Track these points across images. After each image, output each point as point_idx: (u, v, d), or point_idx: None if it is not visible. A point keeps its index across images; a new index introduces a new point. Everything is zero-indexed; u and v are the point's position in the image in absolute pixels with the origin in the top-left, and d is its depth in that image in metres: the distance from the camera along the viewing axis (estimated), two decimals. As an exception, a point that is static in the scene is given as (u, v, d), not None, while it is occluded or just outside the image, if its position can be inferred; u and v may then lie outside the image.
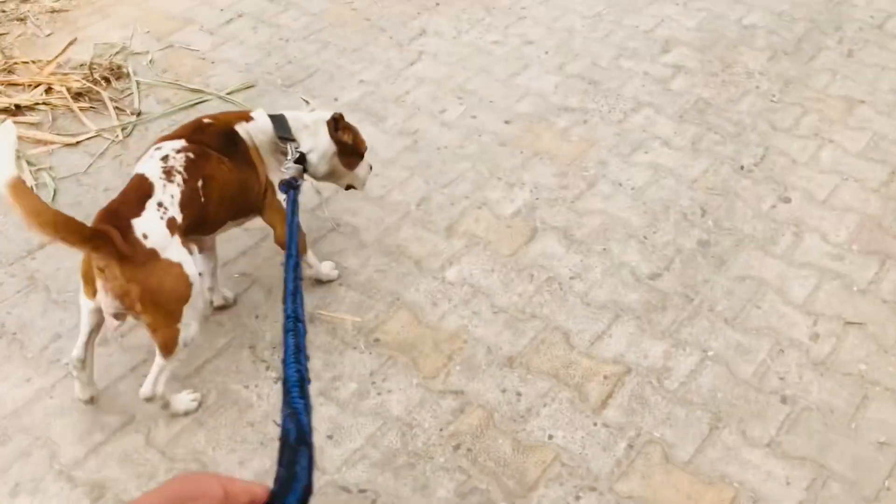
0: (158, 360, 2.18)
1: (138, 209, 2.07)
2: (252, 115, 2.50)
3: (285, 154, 2.45)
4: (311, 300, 2.76)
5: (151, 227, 2.06)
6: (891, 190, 3.27)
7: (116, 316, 2.09)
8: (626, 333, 2.67)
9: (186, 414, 2.36)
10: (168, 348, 2.15)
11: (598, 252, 2.96)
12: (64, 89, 3.60)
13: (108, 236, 1.95)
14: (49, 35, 4.16)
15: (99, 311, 2.13)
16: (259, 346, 2.60)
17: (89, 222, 2.06)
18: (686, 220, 3.10)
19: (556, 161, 3.38)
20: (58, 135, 3.45)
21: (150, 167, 2.19)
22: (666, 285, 2.84)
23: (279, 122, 2.50)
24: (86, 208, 3.09)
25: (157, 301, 2.05)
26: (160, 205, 2.11)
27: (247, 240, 2.96)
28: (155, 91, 3.76)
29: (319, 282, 2.80)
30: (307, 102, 2.80)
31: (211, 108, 3.61)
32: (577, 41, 4.14)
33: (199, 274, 2.22)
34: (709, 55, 4.05)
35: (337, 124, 2.57)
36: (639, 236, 3.02)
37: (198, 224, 2.26)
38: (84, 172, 3.28)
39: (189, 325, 2.17)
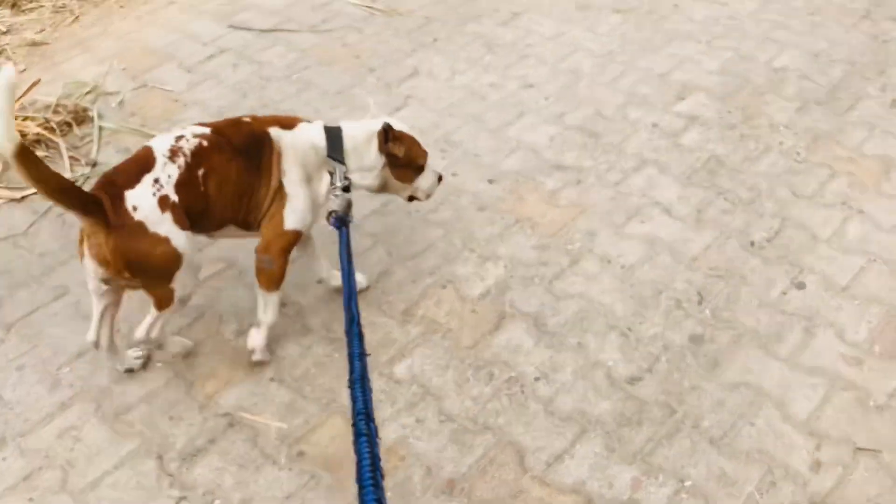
0: (153, 310, 2.24)
1: (134, 181, 2.08)
2: (304, 125, 2.42)
3: (331, 173, 2.37)
4: (236, 396, 2.45)
5: (142, 202, 2.06)
6: (926, 276, 2.80)
7: (105, 281, 2.15)
8: (592, 453, 2.29)
9: None
10: (163, 304, 2.22)
11: (571, 347, 2.58)
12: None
13: (100, 203, 2.01)
14: (23, 71, 3.95)
15: (109, 290, 2.22)
16: (168, 456, 2.30)
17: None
18: (679, 308, 2.69)
19: (539, 230, 3.01)
20: (6, 188, 3.21)
21: (160, 142, 2.20)
22: (646, 392, 2.45)
23: (334, 139, 2.40)
24: (16, 276, 2.85)
25: (144, 269, 2.10)
26: (156, 181, 2.11)
27: (179, 319, 2.66)
28: (117, 138, 3.51)
29: (254, 366, 2.50)
30: (371, 104, 2.68)
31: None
32: (582, 85, 3.76)
33: None
34: (729, 104, 3.62)
35: (387, 136, 2.41)
36: (622, 328, 2.64)
37: (199, 213, 2.21)
38: (23, 233, 3.03)
39: (182, 285, 2.20)
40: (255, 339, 2.47)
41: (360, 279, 2.72)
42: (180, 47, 4.12)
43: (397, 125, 2.48)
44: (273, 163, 2.30)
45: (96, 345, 2.33)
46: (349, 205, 2.30)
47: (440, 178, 2.64)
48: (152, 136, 3.29)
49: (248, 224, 2.36)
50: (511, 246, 2.95)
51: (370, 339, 2.59)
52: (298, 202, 2.34)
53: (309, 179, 2.36)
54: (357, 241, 2.90)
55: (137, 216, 2.05)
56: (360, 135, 2.43)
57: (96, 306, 2.27)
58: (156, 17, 4.39)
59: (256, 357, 2.49)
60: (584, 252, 2.92)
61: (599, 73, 3.84)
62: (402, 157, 2.47)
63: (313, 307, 2.73)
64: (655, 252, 2.90)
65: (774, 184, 3.20)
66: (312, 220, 2.41)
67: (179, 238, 2.12)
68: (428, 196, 2.64)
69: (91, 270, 2.12)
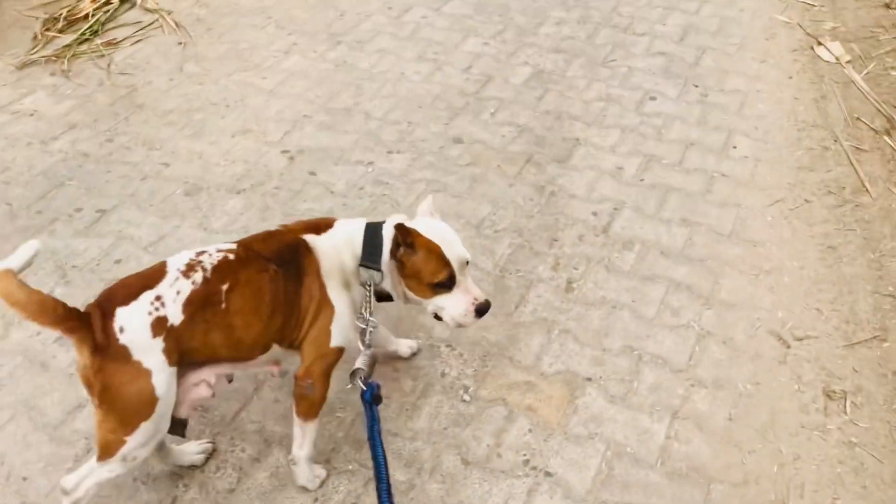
0: (92, 461, 1.94)
1: (131, 297, 1.85)
2: (340, 223, 2.19)
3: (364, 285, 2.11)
4: None
5: (131, 322, 1.83)
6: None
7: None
8: None
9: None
10: (105, 453, 1.91)
11: None
12: None
13: (87, 319, 1.81)
14: None
15: None
16: None
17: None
18: None
19: None
20: None
21: (178, 258, 1.97)
22: None
23: (371, 240, 2.13)
24: None
25: (112, 404, 1.84)
26: (157, 298, 1.87)
27: None
28: None
29: None
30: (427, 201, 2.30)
31: None
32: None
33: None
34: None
35: (399, 239, 2.09)
36: None
37: (211, 330, 1.92)
38: None
39: (138, 444, 1.90)
40: (302, 476, 2.23)
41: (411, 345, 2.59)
42: None
43: (429, 226, 2.14)
44: (313, 272, 2.07)
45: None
46: (374, 362, 2.06)
47: (482, 309, 2.16)
48: None
49: (289, 343, 2.10)
50: None
51: None
52: (343, 313, 2.10)
53: (348, 286, 2.11)
54: None
55: (123, 339, 1.82)
56: (389, 233, 2.13)
57: None
58: None
59: (312, 486, 2.26)
60: None
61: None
62: (408, 268, 2.11)
63: None
64: None
65: (440, 445, 2.42)
66: (353, 335, 2.13)
67: (162, 375, 1.86)
68: (454, 323, 2.18)
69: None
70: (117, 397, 1.84)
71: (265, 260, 2.04)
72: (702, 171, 3.60)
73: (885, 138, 3.85)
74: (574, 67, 4.38)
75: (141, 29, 4.69)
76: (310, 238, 2.12)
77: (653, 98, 4.11)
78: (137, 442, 1.91)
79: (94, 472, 1.95)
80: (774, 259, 3.14)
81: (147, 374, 1.84)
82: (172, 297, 1.89)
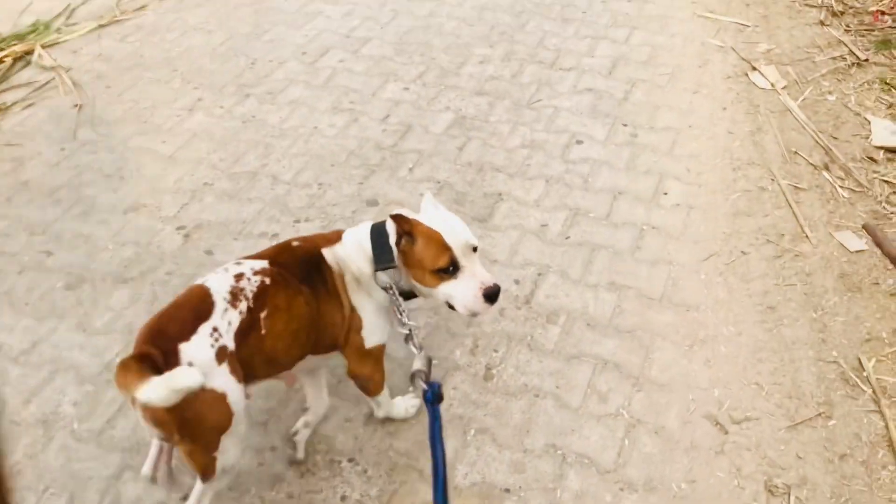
0: (198, 484, 2.02)
1: (189, 332, 1.87)
2: (349, 233, 2.21)
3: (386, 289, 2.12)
4: None
5: (199, 356, 1.86)
6: None
7: (163, 440, 1.97)
8: None
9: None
10: (206, 475, 1.99)
11: None
12: None
13: (153, 362, 1.79)
14: None
15: None
16: None
17: None
18: None
19: None
20: None
21: (219, 283, 1.99)
22: None
23: (379, 240, 2.13)
24: None
25: (194, 433, 1.88)
26: (215, 330, 1.91)
27: None
28: None
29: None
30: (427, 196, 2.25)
31: None
32: None
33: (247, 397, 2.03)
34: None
35: (398, 229, 2.11)
36: None
37: (253, 355, 1.97)
38: None
39: (227, 452, 1.97)
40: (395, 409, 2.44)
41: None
42: None
43: (431, 216, 2.13)
44: (338, 283, 2.12)
45: (153, 479, 2.12)
46: (430, 361, 2.02)
47: (490, 294, 2.09)
48: None
49: (323, 349, 2.18)
50: None
51: None
52: (370, 318, 2.16)
53: (369, 291, 2.14)
54: None
55: None
56: (392, 228, 2.14)
57: (154, 443, 2.09)
58: None
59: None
60: None
61: None
62: (410, 258, 2.11)
63: None
64: None
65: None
66: (390, 325, 2.21)
67: (235, 393, 1.91)
68: (467, 311, 2.12)
69: (150, 432, 1.90)
70: (199, 426, 1.87)
71: (297, 281, 2.06)
72: (631, 224, 3.36)
73: (825, 174, 3.63)
74: (498, 111, 4.12)
75: (35, 90, 4.35)
76: (326, 252, 2.16)
77: (579, 142, 3.86)
78: (228, 454, 1.97)
79: (206, 491, 2.03)
80: (709, 325, 2.90)
81: (222, 396, 1.89)
82: (226, 328, 1.92)
